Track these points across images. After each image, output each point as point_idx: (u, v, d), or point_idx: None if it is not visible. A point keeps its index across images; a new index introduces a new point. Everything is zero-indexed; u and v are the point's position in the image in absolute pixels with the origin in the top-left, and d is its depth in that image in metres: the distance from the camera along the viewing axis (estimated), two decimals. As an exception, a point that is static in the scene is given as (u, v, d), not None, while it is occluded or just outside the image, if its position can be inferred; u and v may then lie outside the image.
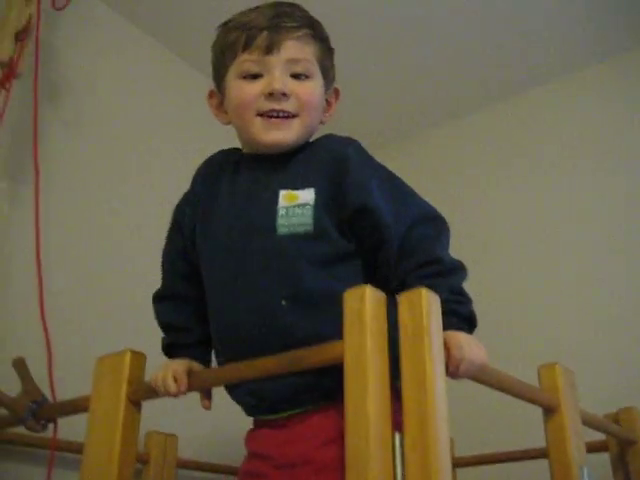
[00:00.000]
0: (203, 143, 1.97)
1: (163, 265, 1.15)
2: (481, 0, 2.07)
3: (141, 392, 1.03)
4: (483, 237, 2.30)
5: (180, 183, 1.20)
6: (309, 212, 0.99)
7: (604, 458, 1.58)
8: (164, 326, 1.12)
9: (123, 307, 1.77)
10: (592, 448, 1.38)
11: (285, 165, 1.06)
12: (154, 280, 1.14)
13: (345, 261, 0.99)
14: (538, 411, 1.14)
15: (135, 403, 1.02)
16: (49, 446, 1.29)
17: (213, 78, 1.15)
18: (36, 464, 1.45)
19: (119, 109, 2.03)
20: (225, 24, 1.12)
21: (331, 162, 1.03)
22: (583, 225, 2.15)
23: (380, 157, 1.09)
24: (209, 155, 1.19)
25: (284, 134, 1.05)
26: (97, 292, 1.75)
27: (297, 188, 1.02)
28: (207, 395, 1.08)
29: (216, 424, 1.68)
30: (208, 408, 1.09)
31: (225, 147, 1.19)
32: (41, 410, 1.22)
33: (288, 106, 1.04)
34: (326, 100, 1.14)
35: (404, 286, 0.87)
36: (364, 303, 0.81)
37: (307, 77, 1.07)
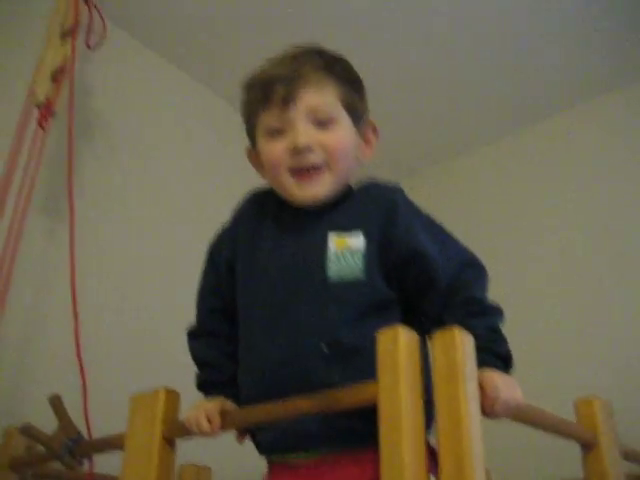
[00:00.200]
0: (235, 176, 2.00)
1: (197, 302, 1.15)
2: (497, 36, 2.12)
3: (175, 431, 1.03)
4: (515, 274, 2.28)
5: (214, 216, 1.21)
6: (360, 259, 0.98)
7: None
8: (198, 363, 1.12)
9: (158, 344, 1.78)
10: (633, 483, 1.35)
11: (331, 211, 1.05)
12: (188, 317, 1.15)
13: (387, 309, 0.99)
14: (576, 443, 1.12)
15: (169, 441, 1.03)
16: (85, 482, 1.30)
17: (247, 136, 1.14)
18: (72, 499, 1.45)
19: (150, 141, 2.06)
20: (246, 82, 1.11)
21: (379, 209, 1.03)
22: (617, 258, 2.12)
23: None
24: (246, 191, 1.17)
25: (317, 189, 1.03)
26: (132, 329, 1.77)
27: (347, 234, 1.01)
28: (242, 432, 1.08)
29: (250, 457, 1.67)
30: (242, 442, 1.08)
31: (255, 179, 1.18)
32: (77, 447, 1.23)
33: (315, 158, 1.03)
34: (363, 136, 1.11)
35: (440, 325, 0.87)
36: (397, 344, 0.80)
37: (332, 123, 1.04)
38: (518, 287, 2.24)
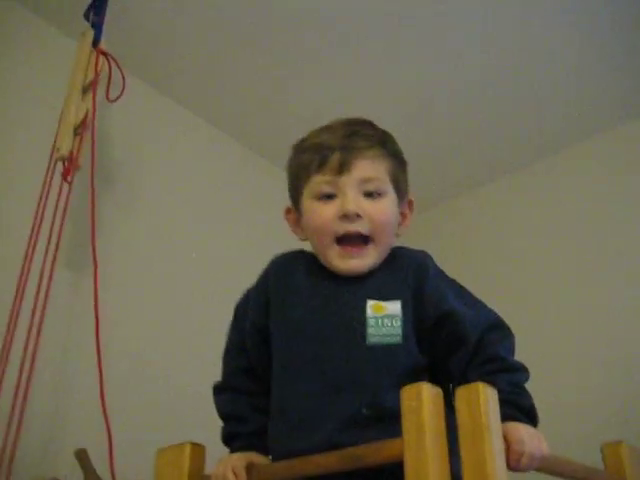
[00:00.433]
0: (257, 225, 2.02)
1: (223, 360, 1.17)
2: (496, 78, 2.18)
3: (202, 485, 1.03)
4: (529, 315, 2.25)
5: (240, 272, 1.21)
6: (398, 324, 1.01)
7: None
8: (223, 416, 1.12)
9: (183, 398, 1.78)
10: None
11: (368, 276, 1.07)
12: (214, 372, 1.16)
13: (420, 374, 0.99)
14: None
15: (196, 496, 1.03)
16: (111, 535, 1.31)
17: (290, 196, 1.16)
18: None
19: (170, 188, 2.09)
20: (298, 145, 1.14)
21: (413, 274, 1.06)
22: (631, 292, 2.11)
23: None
24: (276, 248, 1.18)
25: (360, 263, 1.06)
26: (157, 383, 1.78)
27: (383, 299, 1.03)
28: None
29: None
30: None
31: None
32: (103, 500, 1.24)
33: (362, 227, 1.05)
34: (400, 212, 1.14)
35: (464, 383, 0.87)
36: (421, 400, 0.81)
37: (380, 195, 1.07)
38: (534, 337, 2.21)
